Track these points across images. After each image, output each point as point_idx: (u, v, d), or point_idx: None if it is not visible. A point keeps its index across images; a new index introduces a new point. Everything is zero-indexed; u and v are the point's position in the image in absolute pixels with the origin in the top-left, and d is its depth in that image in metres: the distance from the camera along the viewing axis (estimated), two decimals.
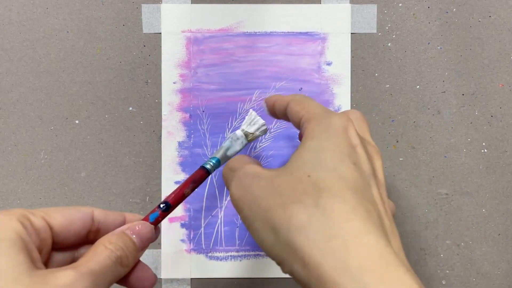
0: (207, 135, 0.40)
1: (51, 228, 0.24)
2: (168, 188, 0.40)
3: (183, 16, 0.40)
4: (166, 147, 0.40)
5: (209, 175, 0.32)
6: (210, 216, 0.40)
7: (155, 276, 0.28)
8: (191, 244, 0.40)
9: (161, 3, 0.40)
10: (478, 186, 0.40)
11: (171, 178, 0.40)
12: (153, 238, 0.28)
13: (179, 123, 0.40)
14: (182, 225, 0.40)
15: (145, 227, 0.27)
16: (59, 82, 0.40)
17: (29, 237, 0.23)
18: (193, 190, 0.31)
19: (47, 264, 0.25)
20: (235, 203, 0.24)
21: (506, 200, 0.40)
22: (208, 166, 0.32)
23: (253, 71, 0.40)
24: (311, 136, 0.24)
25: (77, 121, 0.40)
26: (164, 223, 0.40)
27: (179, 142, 0.40)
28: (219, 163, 0.33)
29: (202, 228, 0.40)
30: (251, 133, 0.35)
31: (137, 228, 0.27)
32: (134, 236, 0.26)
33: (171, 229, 0.40)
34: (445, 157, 0.40)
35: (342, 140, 0.23)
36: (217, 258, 0.40)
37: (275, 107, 0.30)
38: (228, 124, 0.40)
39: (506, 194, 0.40)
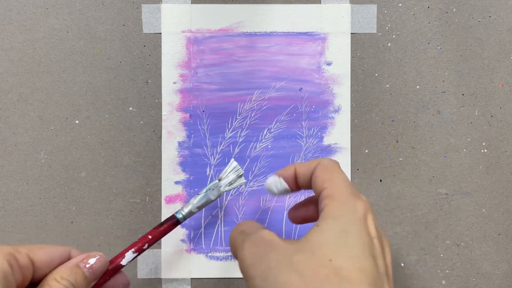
0: (207, 135, 0.40)
1: (33, 264, 0.25)
2: (168, 188, 0.40)
3: (183, 16, 0.40)
4: (166, 147, 0.40)
5: (179, 224, 0.32)
6: (210, 216, 0.40)
7: (128, 280, 0.30)
8: (191, 244, 0.40)
9: (161, 3, 0.40)
10: (478, 186, 0.40)
11: (171, 178, 0.40)
12: (105, 270, 0.28)
13: (179, 123, 0.40)
14: (182, 225, 0.40)
15: (100, 261, 0.28)
16: (59, 82, 0.40)
17: (13, 278, 0.24)
18: (159, 238, 0.32)
19: None
20: (245, 268, 0.23)
21: (506, 200, 0.40)
22: (179, 216, 0.32)
23: (253, 71, 0.40)
24: (333, 215, 0.24)
25: (77, 121, 0.40)
26: None
27: (179, 142, 0.40)
28: (190, 213, 0.33)
29: (202, 228, 0.40)
30: (228, 184, 0.34)
31: (92, 261, 0.27)
32: (86, 269, 0.27)
33: None
34: (445, 157, 0.40)
35: (363, 228, 0.23)
36: (217, 258, 0.40)
37: (298, 175, 0.29)
38: (228, 124, 0.40)
39: (506, 194, 0.40)
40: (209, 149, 0.40)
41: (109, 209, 0.40)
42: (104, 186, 0.40)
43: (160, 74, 0.40)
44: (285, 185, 0.30)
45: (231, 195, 0.40)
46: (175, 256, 0.40)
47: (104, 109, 0.40)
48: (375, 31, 0.40)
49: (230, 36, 0.40)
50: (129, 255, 0.30)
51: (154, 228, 0.31)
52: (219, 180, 0.33)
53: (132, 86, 0.40)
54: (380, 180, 0.40)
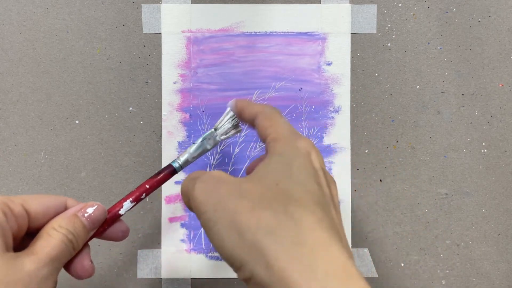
0: None
1: (28, 214, 0.26)
2: (168, 188, 0.40)
3: (183, 16, 0.40)
4: (166, 147, 0.40)
5: (175, 173, 0.32)
6: None
7: (127, 227, 0.30)
8: (191, 244, 0.40)
9: (161, 3, 0.40)
10: (478, 186, 0.40)
11: (171, 178, 0.40)
12: (103, 220, 0.29)
13: (179, 123, 0.40)
14: (182, 225, 0.40)
15: (97, 210, 0.28)
16: (59, 82, 0.40)
17: (7, 224, 0.24)
18: (157, 187, 0.32)
19: (20, 247, 0.26)
20: (197, 205, 0.24)
21: (506, 200, 0.40)
22: (176, 165, 0.32)
23: (253, 71, 0.40)
24: (278, 152, 0.25)
25: (77, 121, 0.40)
26: (164, 223, 0.40)
27: (179, 142, 0.40)
28: (187, 162, 0.33)
29: (202, 228, 0.40)
30: (224, 133, 0.34)
31: (90, 211, 0.27)
32: (84, 218, 0.27)
33: (171, 229, 0.40)
34: (445, 157, 0.40)
35: (307, 161, 0.25)
36: (217, 258, 0.40)
37: (243, 114, 0.30)
38: None
39: (506, 194, 0.40)
40: None
41: None
42: (104, 186, 0.40)
43: (160, 74, 0.40)
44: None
45: None
46: (175, 256, 0.40)
47: (104, 109, 0.40)
48: (375, 31, 0.40)
49: (230, 36, 0.40)
50: (127, 204, 0.30)
51: (151, 177, 0.31)
52: (215, 129, 0.33)
53: (132, 86, 0.40)
54: (380, 180, 0.40)
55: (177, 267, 0.40)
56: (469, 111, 0.40)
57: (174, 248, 0.40)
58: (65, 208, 0.27)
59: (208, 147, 0.33)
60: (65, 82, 0.40)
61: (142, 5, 0.40)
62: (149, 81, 0.40)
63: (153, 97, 0.40)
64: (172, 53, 0.40)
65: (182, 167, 0.32)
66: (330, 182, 0.26)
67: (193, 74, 0.40)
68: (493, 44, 0.40)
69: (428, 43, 0.40)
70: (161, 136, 0.40)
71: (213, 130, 0.33)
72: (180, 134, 0.40)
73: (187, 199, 0.26)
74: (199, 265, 0.40)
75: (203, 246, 0.40)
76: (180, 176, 0.40)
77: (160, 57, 0.40)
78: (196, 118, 0.40)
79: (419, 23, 0.40)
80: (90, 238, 0.28)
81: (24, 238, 0.26)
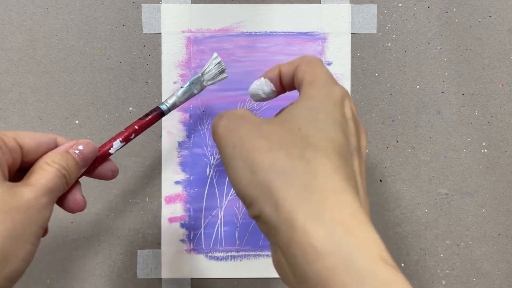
0: (207, 135, 0.40)
1: (21, 148, 0.26)
2: (168, 188, 0.40)
3: (183, 16, 0.40)
4: (166, 147, 0.40)
5: (163, 116, 0.33)
6: (210, 216, 0.40)
7: (117, 166, 0.30)
8: (191, 244, 0.40)
9: (161, 3, 0.40)
10: (478, 186, 0.40)
11: (171, 178, 0.40)
12: (94, 157, 0.29)
13: (179, 123, 0.40)
14: (182, 225, 0.40)
15: (88, 147, 0.28)
16: (59, 82, 0.40)
17: (3, 156, 0.25)
18: (145, 128, 0.32)
19: (13, 181, 0.26)
20: (219, 141, 0.24)
21: (506, 200, 0.40)
22: (164, 107, 0.32)
23: (253, 71, 0.40)
24: (309, 97, 0.25)
25: (77, 121, 0.40)
26: (164, 223, 0.40)
27: (179, 142, 0.40)
28: (174, 106, 0.33)
29: (202, 228, 0.40)
30: (211, 78, 0.34)
31: (81, 148, 0.28)
32: (76, 155, 0.27)
33: (171, 229, 0.40)
34: (445, 157, 0.40)
35: (338, 109, 0.24)
36: (217, 258, 0.40)
37: (282, 74, 0.29)
38: None
39: (506, 194, 0.40)
40: (209, 149, 0.40)
41: (109, 209, 0.40)
42: (104, 186, 0.40)
43: (160, 74, 0.40)
44: (270, 86, 0.30)
45: (231, 195, 0.40)
46: (175, 256, 0.40)
47: (104, 109, 0.40)
48: (375, 31, 0.40)
49: (230, 36, 0.40)
50: (117, 144, 0.30)
51: (140, 119, 0.32)
52: (202, 74, 0.34)
53: (132, 86, 0.40)
54: (380, 180, 0.40)
55: (177, 267, 0.40)
56: (469, 111, 0.40)
57: (174, 248, 0.40)
58: (56, 145, 0.28)
59: (195, 91, 0.34)
60: (65, 82, 0.40)
61: (142, 5, 0.40)
62: (149, 81, 0.40)
63: (153, 97, 0.40)
64: (172, 53, 0.40)
65: (170, 109, 0.33)
66: (361, 133, 0.25)
67: (193, 74, 0.40)
68: (493, 44, 0.40)
69: (428, 43, 0.40)
70: (161, 136, 0.40)
71: (200, 74, 0.34)
72: (180, 134, 0.40)
73: (214, 135, 0.26)
74: (199, 265, 0.40)
75: (203, 246, 0.40)
76: (180, 176, 0.40)
77: (160, 57, 0.40)
78: (196, 118, 0.40)
79: (419, 23, 0.40)
80: (81, 175, 0.29)
81: (16, 174, 0.27)
